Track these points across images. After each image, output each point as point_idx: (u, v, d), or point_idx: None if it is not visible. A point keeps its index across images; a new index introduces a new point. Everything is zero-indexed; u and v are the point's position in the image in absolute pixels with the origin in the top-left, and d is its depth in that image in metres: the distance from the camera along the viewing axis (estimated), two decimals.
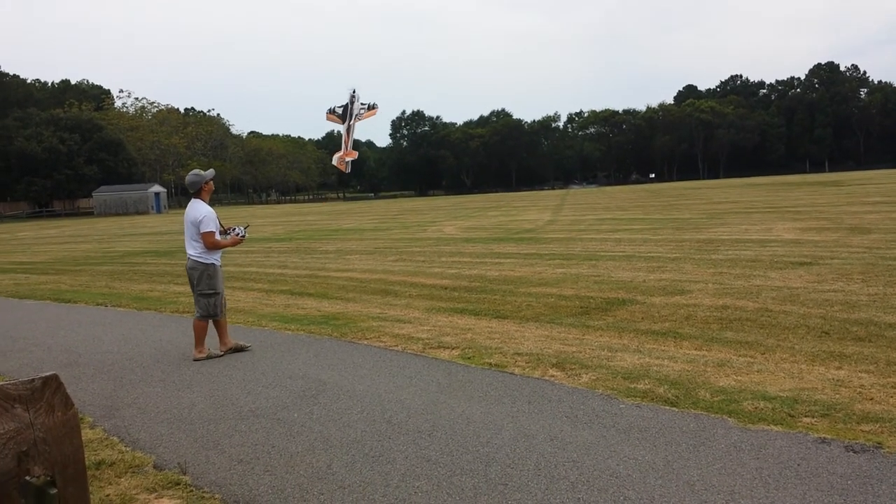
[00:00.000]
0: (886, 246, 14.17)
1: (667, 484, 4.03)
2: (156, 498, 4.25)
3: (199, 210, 7.92)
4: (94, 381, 7.11)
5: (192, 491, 4.32)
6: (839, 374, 5.94)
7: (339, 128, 9.45)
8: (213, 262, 8.00)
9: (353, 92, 9.30)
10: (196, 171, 8.17)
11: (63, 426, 1.54)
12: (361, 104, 9.28)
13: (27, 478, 1.50)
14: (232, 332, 9.19)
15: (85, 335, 9.64)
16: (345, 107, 9.15)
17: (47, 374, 1.55)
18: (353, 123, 9.11)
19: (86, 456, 1.85)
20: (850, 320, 7.83)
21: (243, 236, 8.26)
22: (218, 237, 7.96)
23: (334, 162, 9.40)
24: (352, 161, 9.33)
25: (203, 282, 7.93)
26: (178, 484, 4.43)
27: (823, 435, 4.60)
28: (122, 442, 5.29)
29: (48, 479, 1.53)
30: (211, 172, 8.24)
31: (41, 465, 1.51)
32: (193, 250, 7.95)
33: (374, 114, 9.44)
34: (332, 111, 9.47)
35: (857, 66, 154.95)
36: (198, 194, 8.04)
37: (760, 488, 3.91)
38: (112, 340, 9.17)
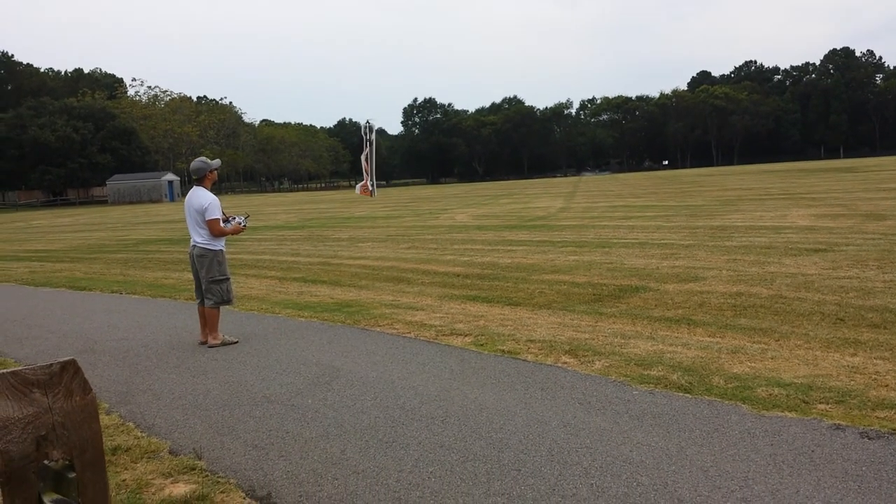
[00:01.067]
0: None
1: (680, 470, 4.03)
2: (171, 483, 4.28)
3: (205, 197, 7.92)
4: (110, 368, 7.16)
5: (207, 476, 4.35)
6: (854, 360, 5.91)
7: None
8: (221, 248, 8.03)
9: (367, 123, 9.37)
10: (202, 158, 8.18)
11: (81, 411, 1.55)
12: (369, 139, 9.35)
13: (46, 462, 1.51)
14: (245, 319, 9.25)
15: (100, 322, 9.71)
16: (360, 138, 9.27)
17: (65, 359, 1.56)
18: (371, 154, 9.20)
19: (103, 443, 1.86)
20: (866, 307, 7.78)
21: (244, 225, 8.30)
22: (221, 225, 7.98)
23: (357, 191, 9.53)
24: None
25: (214, 268, 7.95)
26: (194, 469, 4.46)
27: (838, 421, 4.58)
28: (138, 427, 5.34)
29: (66, 463, 1.54)
30: (217, 162, 8.26)
31: (59, 449, 1.53)
32: (200, 237, 7.96)
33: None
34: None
35: (872, 51, 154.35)
36: (200, 181, 8.04)
37: (774, 474, 3.90)
38: (127, 327, 9.23)
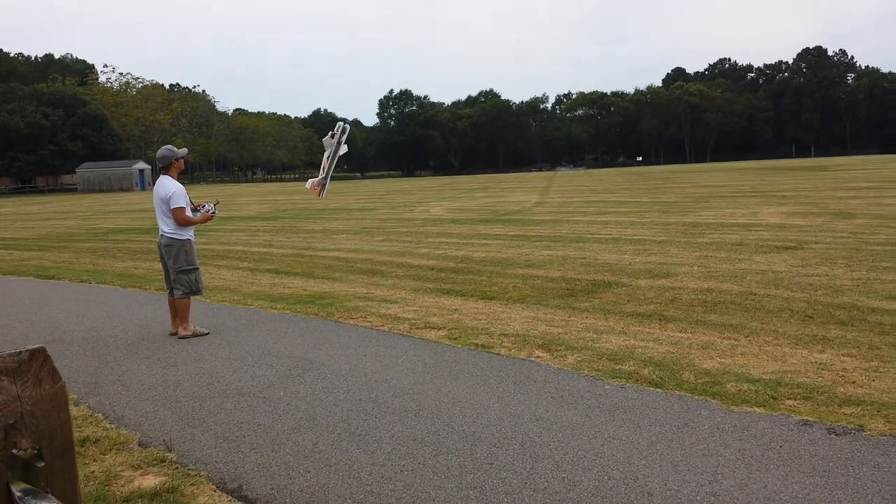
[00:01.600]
0: (870, 231, 14.27)
1: (650, 464, 4.06)
2: (141, 475, 4.24)
3: (168, 186, 7.85)
4: (79, 358, 7.08)
5: (177, 468, 4.32)
6: (822, 357, 5.99)
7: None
8: (189, 237, 7.97)
9: (344, 123, 9.32)
10: (169, 146, 8.13)
11: (50, 399, 1.53)
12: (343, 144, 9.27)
13: (14, 451, 1.49)
14: (216, 310, 9.18)
15: (69, 312, 9.59)
16: (330, 135, 9.15)
17: (35, 346, 1.53)
18: (333, 155, 9.13)
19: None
20: (834, 304, 7.89)
21: (213, 213, 8.23)
22: (188, 213, 7.91)
23: (307, 186, 9.41)
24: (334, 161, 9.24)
25: (181, 258, 7.88)
26: (164, 461, 4.42)
27: (806, 417, 4.64)
28: (107, 419, 5.28)
29: (35, 452, 1.52)
30: (184, 151, 8.20)
31: (28, 438, 1.50)
32: (167, 227, 7.89)
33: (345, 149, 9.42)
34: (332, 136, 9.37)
35: (844, 50, 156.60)
36: (167, 170, 7.96)
37: (743, 469, 3.95)
38: (96, 317, 9.12)
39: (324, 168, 9.21)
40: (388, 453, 4.38)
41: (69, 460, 1.59)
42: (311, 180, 9.38)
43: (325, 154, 9.17)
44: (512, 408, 5.08)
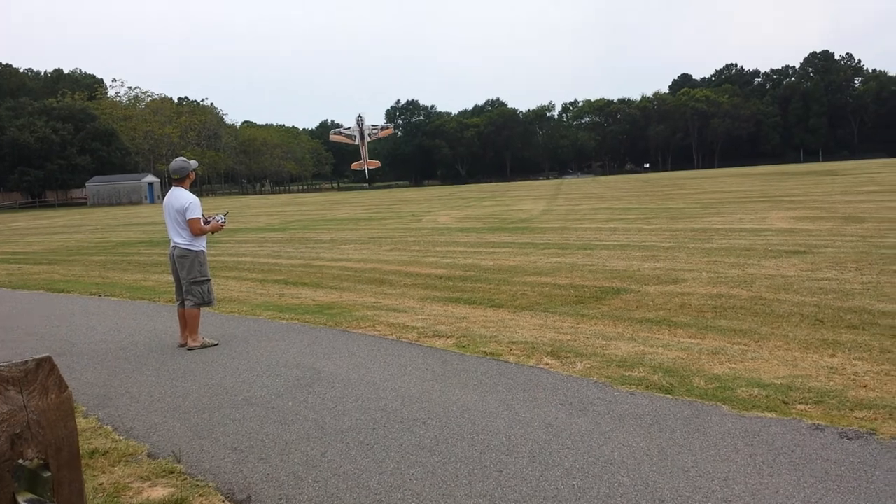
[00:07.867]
0: (880, 234, 14.20)
1: (661, 470, 4.04)
2: (150, 486, 4.24)
3: (185, 197, 7.89)
4: (88, 371, 7.09)
5: (186, 479, 4.31)
6: (833, 361, 5.96)
7: (349, 136, 9.57)
8: (202, 248, 8.00)
9: (360, 117, 9.55)
10: (183, 158, 8.18)
11: (57, 409, 1.53)
12: (373, 125, 9.46)
13: (20, 461, 1.49)
14: (225, 321, 9.19)
15: (78, 325, 9.61)
16: (352, 128, 9.38)
17: (41, 356, 1.54)
18: (366, 143, 9.35)
19: (80, 444, 1.83)
20: (844, 308, 7.84)
21: (223, 223, 8.26)
22: (202, 224, 7.95)
23: (354, 166, 9.68)
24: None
25: (195, 269, 7.90)
26: (172, 472, 4.42)
27: (817, 421, 4.61)
28: (116, 431, 5.28)
29: (42, 462, 1.52)
30: (195, 163, 8.26)
31: (35, 448, 1.50)
32: (180, 238, 7.91)
33: (391, 131, 9.61)
34: (338, 132, 9.56)
35: (851, 54, 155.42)
36: (181, 181, 8.01)
37: (754, 474, 3.92)
38: (106, 330, 9.14)
39: (364, 155, 9.42)
40: (397, 462, 4.37)
41: (76, 470, 1.59)
42: (356, 164, 9.61)
43: (362, 145, 9.38)
44: (521, 415, 5.06)
